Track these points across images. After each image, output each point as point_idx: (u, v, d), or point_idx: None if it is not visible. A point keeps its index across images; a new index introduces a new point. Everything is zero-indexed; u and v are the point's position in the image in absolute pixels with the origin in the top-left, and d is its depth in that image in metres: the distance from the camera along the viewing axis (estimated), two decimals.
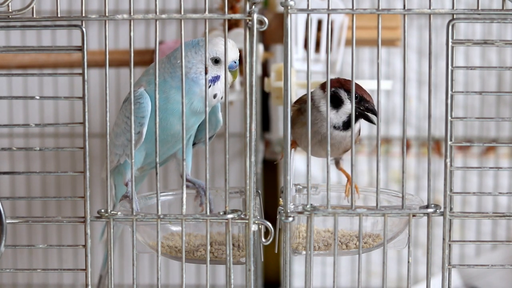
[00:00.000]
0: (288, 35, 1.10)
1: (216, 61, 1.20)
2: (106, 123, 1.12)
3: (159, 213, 1.13)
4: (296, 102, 1.29)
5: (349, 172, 1.25)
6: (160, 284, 1.14)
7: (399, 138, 1.91)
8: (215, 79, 1.20)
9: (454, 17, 1.11)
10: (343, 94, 1.23)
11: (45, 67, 1.62)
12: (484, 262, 1.88)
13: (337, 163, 1.30)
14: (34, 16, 1.11)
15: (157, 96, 1.13)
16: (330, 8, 1.11)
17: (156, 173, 1.13)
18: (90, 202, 1.13)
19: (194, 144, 1.31)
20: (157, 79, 1.13)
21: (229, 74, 1.20)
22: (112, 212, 1.14)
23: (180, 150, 1.27)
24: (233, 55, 1.20)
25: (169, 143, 1.24)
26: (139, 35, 1.84)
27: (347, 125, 1.23)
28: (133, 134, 1.14)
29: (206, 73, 1.14)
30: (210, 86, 1.19)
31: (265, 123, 1.93)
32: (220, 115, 1.28)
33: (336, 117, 1.23)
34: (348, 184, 1.27)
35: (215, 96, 1.20)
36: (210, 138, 1.25)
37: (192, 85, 1.19)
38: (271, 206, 1.51)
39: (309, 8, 1.11)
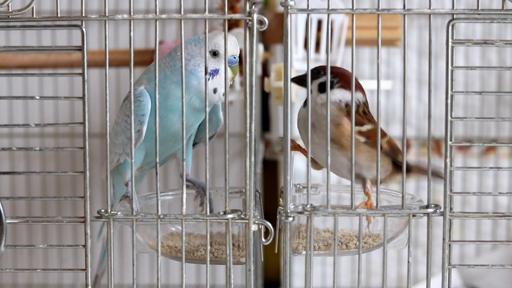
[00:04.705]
0: (288, 35, 1.10)
1: (214, 53, 1.19)
2: (106, 123, 1.12)
3: (159, 213, 1.13)
4: None
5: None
6: (160, 284, 1.14)
7: (399, 138, 1.90)
8: (214, 72, 1.19)
9: (454, 17, 1.11)
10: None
11: (45, 67, 1.62)
12: (484, 262, 1.88)
13: (364, 185, 1.24)
14: (34, 16, 1.11)
15: (157, 96, 1.13)
16: (330, 8, 1.11)
17: (156, 173, 1.13)
18: (90, 202, 1.13)
19: (194, 144, 1.31)
20: (158, 76, 1.13)
21: (228, 70, 1.19)
22: (112, 212, 1.14)
23: (180, 150, 1.27)
24: (232, 50, 1.19)
25: (169, 142, 1.24)
26: (139, 35, 1.84)
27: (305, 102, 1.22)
28: (133, 133, 1.14)
29: (206, 73, 1.14)
30: (208, 80, 1.18)
31: (265, 123, 1.93)
32: (221, 114, 1.27)
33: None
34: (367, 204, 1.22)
35: (215, 91, 1.19)
36: (211, 138, 1.25)
37: (190, 78, 1.19)
38: (271, 206, 1.51)
39: (309, 8, 1.11)
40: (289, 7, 1.10)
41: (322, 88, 1.21)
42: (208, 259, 1.14)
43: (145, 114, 1.19)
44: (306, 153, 1.16)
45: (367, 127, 1.22)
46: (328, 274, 1.91)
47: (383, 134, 1.25)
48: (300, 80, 1.22)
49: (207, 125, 1.13)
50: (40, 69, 1.63)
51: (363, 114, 1.24)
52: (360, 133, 1.21)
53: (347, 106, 1.20)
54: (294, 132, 1.88)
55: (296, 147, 1.26)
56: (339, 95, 1.21)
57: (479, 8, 1.11)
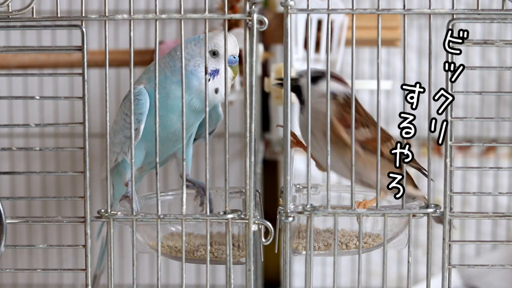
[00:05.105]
0: (288, 35, 1.10)
1: (214, 53, 1.19)
2: (106, 123, 1.12)
3: (159, 213, 1.13)
4: None
5: None
6: (160, 284, 1.14)
7: (399, 138, 1.91)
8: (214, 72, 1.19)
9: (454, 17, 1.11)
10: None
11: (45, 67, 1.62)
12: (484, 262, 1.88)
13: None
14: (34, 16, 1.11)
15: (157, 95, 1.13)
16: (330, 8, 1.11)
17: (156, 173, 1.13)
18: (90, 202, 1.13)
19: (194, 140, 1.30)
20: (158, 76, 1.13)
21: (229, 70, 1.18)
22: (112, 212, 1.14)
23: (181, 150, 1.27)
24: (232, 50, 1.19)
25: (169, 142, 1.24)
26: (139, 35, 1.84)
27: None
28: (132, 132, 1.13)
29: (206, 73, 1.14)
30: (209, 80, 1.18)
31: (265, 123, 1.93)
32: (220, 109, 1.27)
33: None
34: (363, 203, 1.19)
35: (216, 91, 1.19)
36: (210, 133, 1.25)
37: (191, 78, 1.18)
38: (271, 206, 1.51)
39: (309, 8, 1.11)
40: (289, 7, 1.10)
41: (312, 81, 1.19)
42: (208, 259, 1.14)
43: (143, 112, 1.19)
44: (306, 149, 1.15)
45: (362, 133, 1.21)
46: (328, 274, 1.91)
47: (387, 138, 1.24)
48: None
49: (207, 126, 1.13)
50: (40, 69, 1.63)
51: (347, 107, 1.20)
52: (355, 141, 1.17)
53: (335, 98, 1.20)
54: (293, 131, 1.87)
55: (298, 142, 1.25)
56: (324, 86, 1.19)
57: (479, 8, 1.11)
